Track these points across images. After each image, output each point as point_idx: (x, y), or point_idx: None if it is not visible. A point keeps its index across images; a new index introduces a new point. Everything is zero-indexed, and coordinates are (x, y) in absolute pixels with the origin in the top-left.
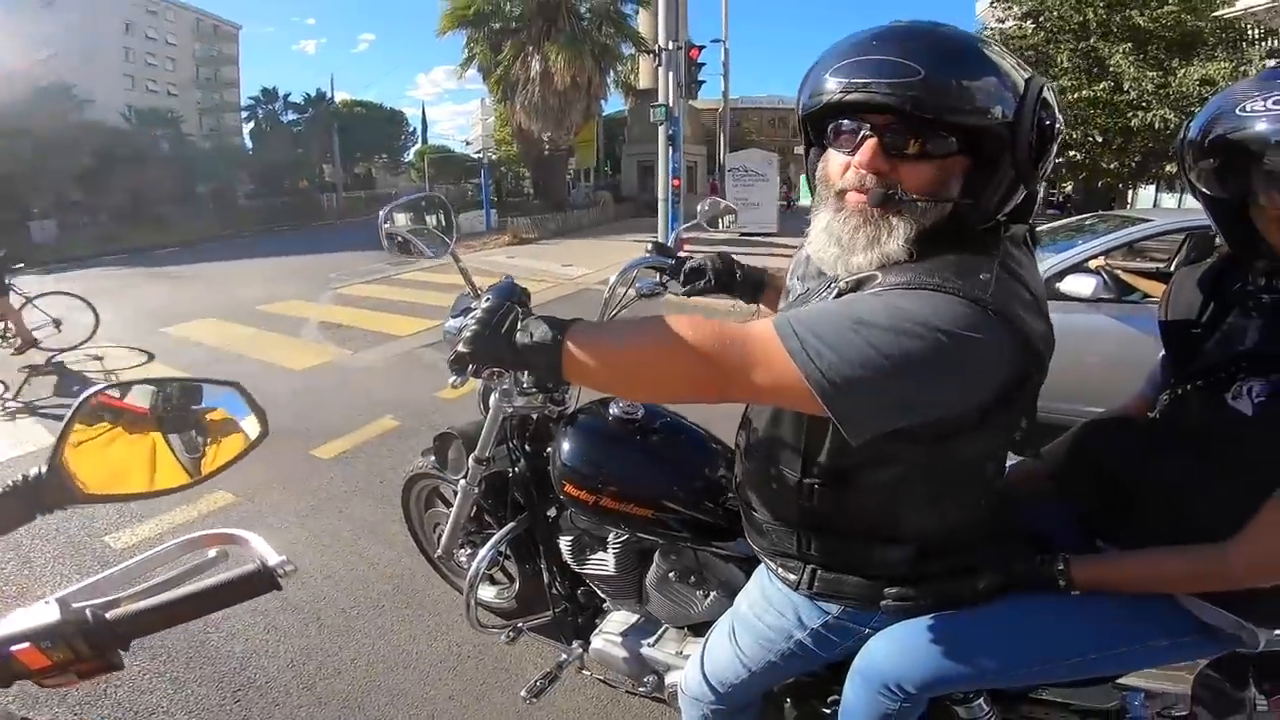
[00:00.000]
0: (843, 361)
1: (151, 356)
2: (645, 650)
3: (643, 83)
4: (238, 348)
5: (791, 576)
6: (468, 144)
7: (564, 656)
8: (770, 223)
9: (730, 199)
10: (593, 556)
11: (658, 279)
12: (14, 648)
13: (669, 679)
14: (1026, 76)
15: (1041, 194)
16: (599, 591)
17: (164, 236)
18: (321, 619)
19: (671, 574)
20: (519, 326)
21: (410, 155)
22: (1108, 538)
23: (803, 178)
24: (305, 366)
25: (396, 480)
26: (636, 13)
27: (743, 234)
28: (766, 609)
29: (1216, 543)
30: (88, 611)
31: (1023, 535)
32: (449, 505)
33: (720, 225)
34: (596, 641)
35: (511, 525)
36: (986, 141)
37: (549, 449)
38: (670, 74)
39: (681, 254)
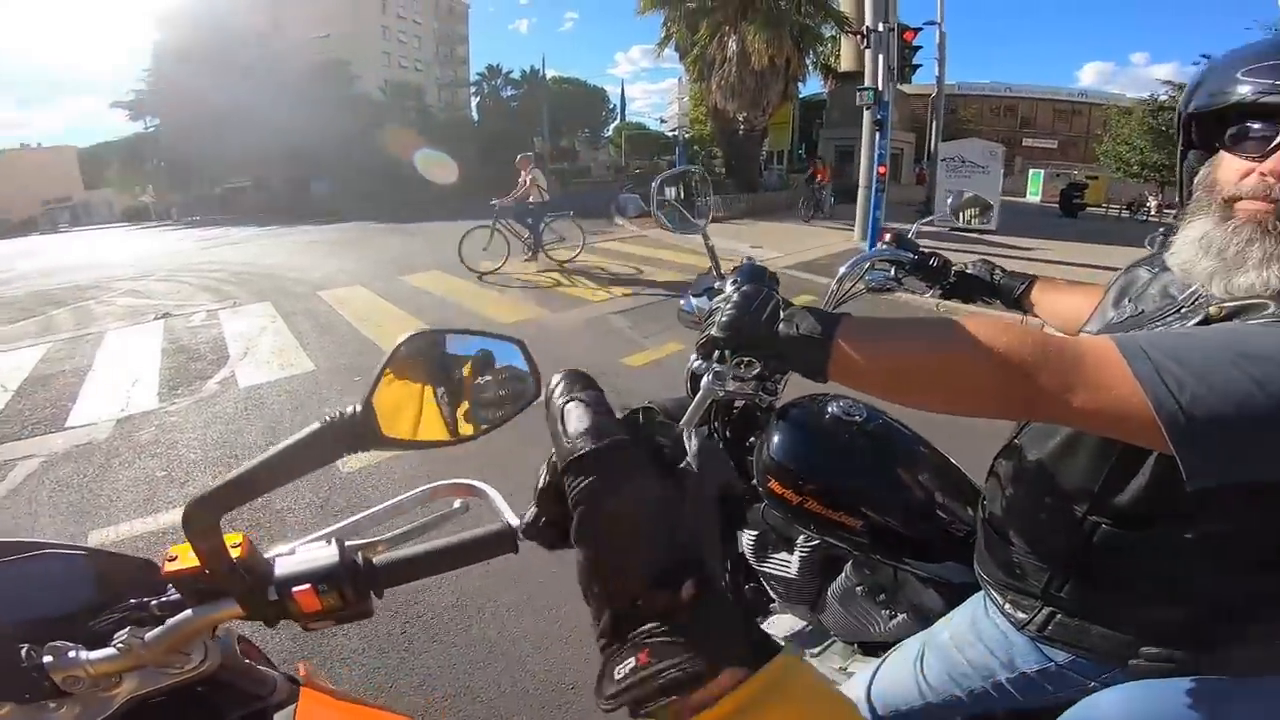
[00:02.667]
0: (1213, 396)
1: None
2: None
3: (844, 65)
4: (459, 298)
5: (1021, 615)
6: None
7: None
8: (989, 220)
9: (943, 191)
10: (775, 555)
11: (891, 273)
12: (295, 589)
13: None
14: None
15: None
16: (771, 591)
17: (407, 197)
18: (492, 563)
19: (860, 588)
20: (781, 315)
21: (609, 131)
22: None
23: (1031, 173)
24: (513, 320)
25: None
26: None
27: (953, 229)
28: (972, 642)
29: None
30: (359, 556)
31: None
32: None
33: (963, 218)
34: None
35: None
36: None
37: (751, 439)
38: (880, 57)
39: (924, 250)
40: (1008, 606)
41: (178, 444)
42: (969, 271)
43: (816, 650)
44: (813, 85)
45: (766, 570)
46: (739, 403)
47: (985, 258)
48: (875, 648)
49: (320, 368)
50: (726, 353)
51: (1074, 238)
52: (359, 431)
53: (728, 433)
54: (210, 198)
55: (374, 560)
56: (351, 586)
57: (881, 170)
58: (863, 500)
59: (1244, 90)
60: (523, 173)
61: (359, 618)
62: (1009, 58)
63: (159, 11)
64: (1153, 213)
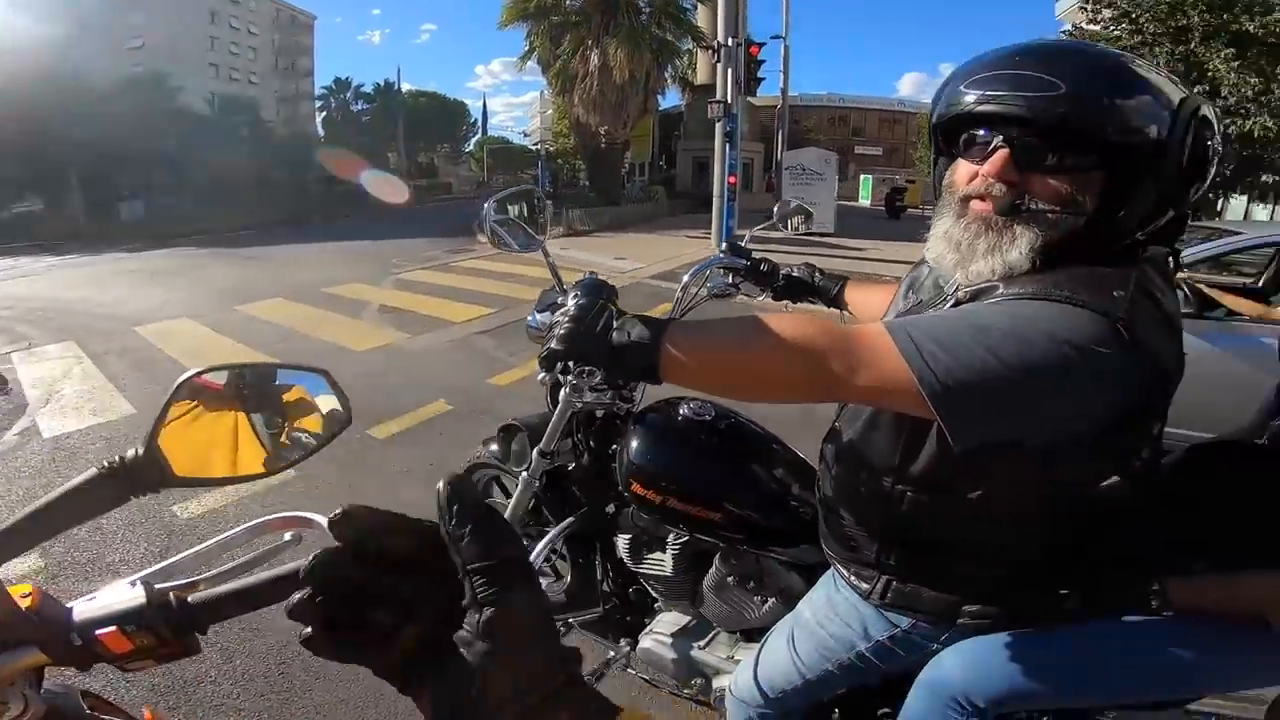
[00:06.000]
0: (958, 366)
1: None
2: (695, 653)
3: (700, 78)
4: (304, 327)
5: (864, 585)
6: (525, 135)
7: (611, 654)
8: (828, 223)
9: (787, 198)
10: (649, 556)
11: (729, 280)
12: (99, 631)
13: (717, 683)
14: (1181, 96)
15: None
16: (652, 591)
17: (239, 219)
18: None
19: (730, 578)
20: (614, 325)
21: (470, 146)
22: (1208, 562)
23: (862, 178)
24: (365, 348)
25: (446, 463)
26: (695, 7)
27: (797, 234)
28: (831, 618)
29: None
30: (171, 596)
31: (1113, 554)
32: (507, 496)
33: (789, 226)
34: (645, 641)
35: (570, 520)
36: (1129, 159)
37: (614, 446)
38: (729, 70)
39: (755, 256)
40: (853, 579)
41: None
42: (794, 274)
43: (703, 642)
44: (672, 98)
45: (644, 571)
46: (600, 412)
47: (808, 261)
48: (755, 634)
49: (142, 410)
50: (569, 364)
51: (896, 238)
52: (142, 474)
53: (591, 442)
54: None
55: (189, 598)
56: (167, 625)
57: (732, 180)
58: (719, 493)
59: (968, 100)
60: None
61: (183, 655)
62: (840, 70)
63: None
64: None
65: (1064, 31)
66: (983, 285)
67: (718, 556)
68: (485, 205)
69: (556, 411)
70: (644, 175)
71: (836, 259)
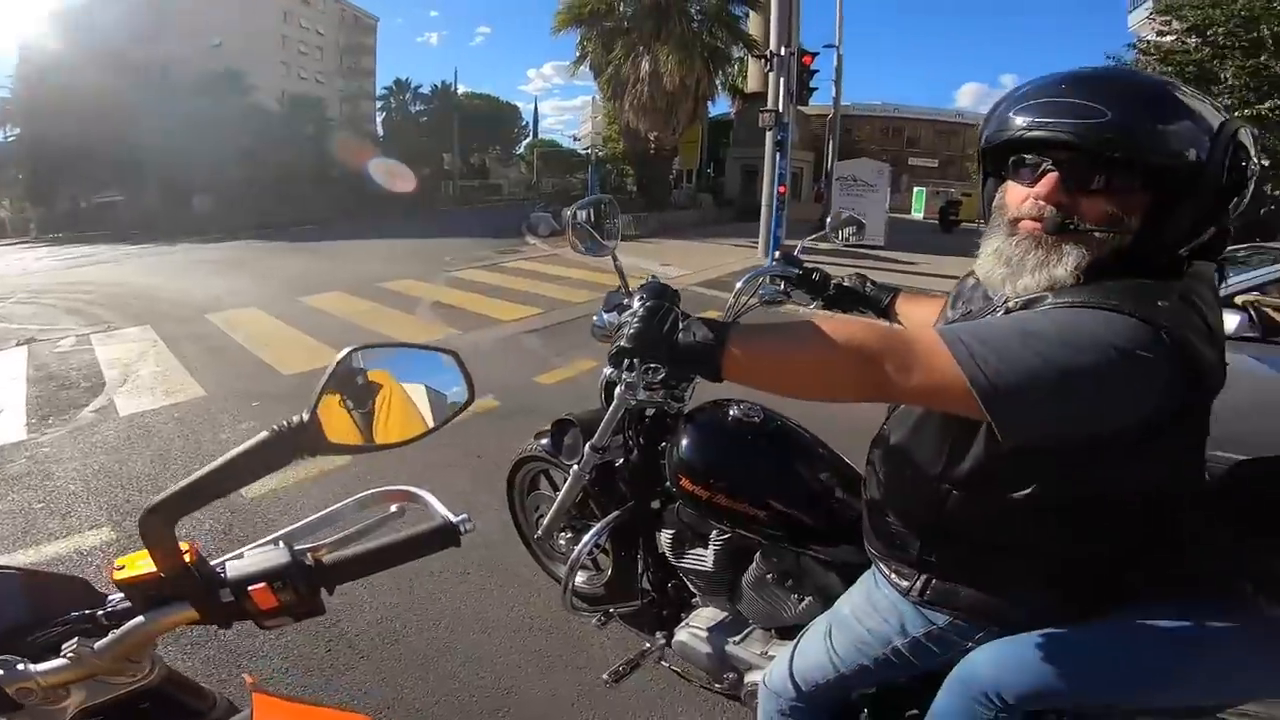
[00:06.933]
0: (1008, 368)
1: None
2: (729, 648)
3: (751, 85)
4: (362, 320)
5: (904, 583)
6: (575, 139)
7: (647, 646)
8: (878, 235)
9: (836, 208)
10: (691, 551)
11: (781, 287)
12: (251, 587)
13: (749, 678)
14: (1221, 120)
15: None
16: (691, 586)
17: (303, 214)
18: (413, 581)
19: (770, 575)
20: (680, 326)
21: (521, 148)
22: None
23: (915, 190)
24: (421, 342)
25: (491, 456)
26: (747, 15)
27: (847, 245)
28: (870, 613)
29: None
30: (309, 555)
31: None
32: (555, 489)
33: (840, 237)
34: (681, 634)
35: (616, 514)
36: (1172, 180)
37: (663, 443)
38: (781, 79)
39: (807, 265)
40: (893, 576)
41: (54, 475)
42: (845, 284)
43: (738, 638)
44: (721, 105)
45: (685, 566)
46: (650, 411)
47: (859, 272)
48: (789, 631)
49: (212, 394)
50: (635, 361)
51: (948, 252)
52: (307, 438)
53: (641, 439)
54: (75, 213)
55: (326, 558)
56: (305, 583)
57: (782, 189)
58: (764, 491)
59: (1017, 125)
60: None
61: (313, 614)
62: (896, 79)
63: (26, 13)
64: None
65: (1133, 44)
66: (1032, 297)
67: (759, 553)
68: (565, 212)
69: (611, 407)
70: (692, 182)
71: (886, 272)
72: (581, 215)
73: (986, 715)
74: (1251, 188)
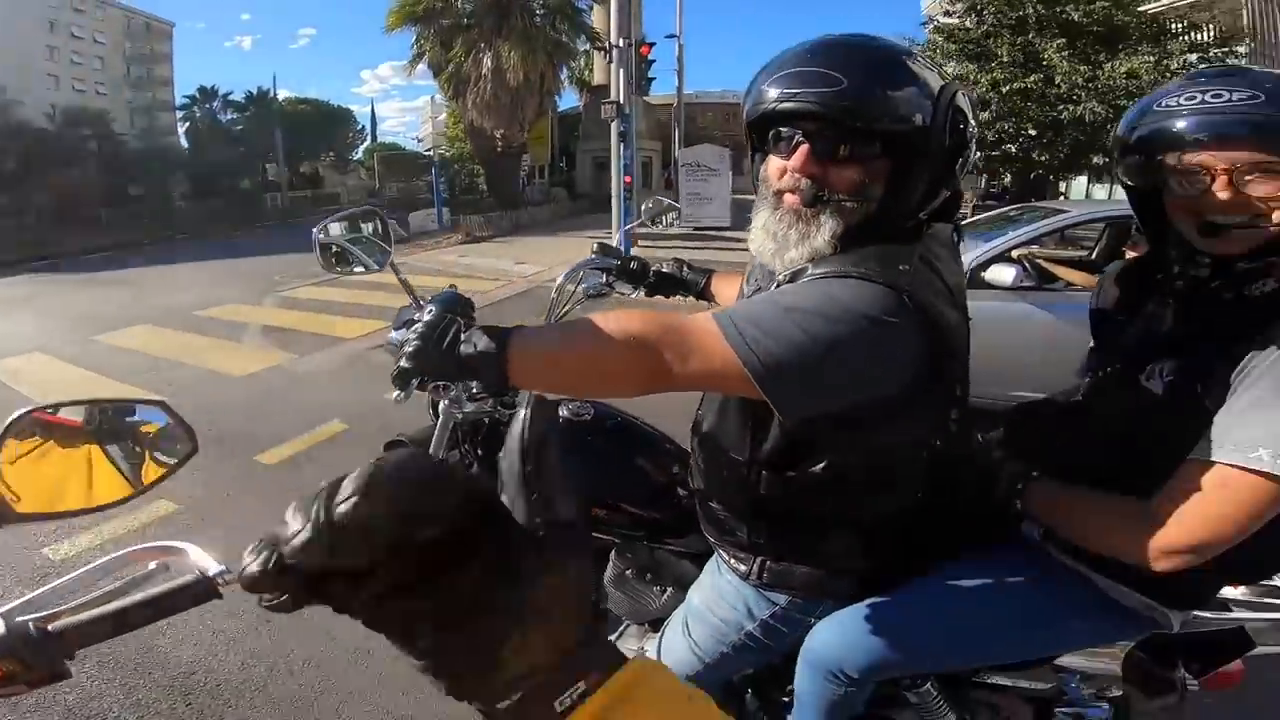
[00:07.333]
0: (776, 345)
1: None
2: None
3: (597, 79)
4: (176, 354)
5: (742, 568)
6: (418, 141)
7: None
8: (723, 217)
9: (684, 194)
10: None
11: (604, 279)
12: None
13: None
14: (941, 84)
15: (983, 186)
16: None
17: (94, 241)
18: (272, 623)
19: (628, 571)
20: (461, 338)
21: (359, 153)
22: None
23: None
24: (248, 372)
25: None
26: (590, 8)
27: (695, 229)
28: (718, 601)
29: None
30: (31, 624)
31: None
32: None
33: (663, 222)
34: None
35: None
36: (905, 145)
37: (501, 453)
38: (621, 71)
39: (632, 253)
40: (732, 561)
41: None
42: (664, 270)
43: (614, 635)
44: (569, 99)
45: None
46: (485, 420)
47: (676, 257)
48: (661, 623)
49: None
50: (421, 380)
51: None
52: None
53: (479, 451)
54: None
55: (53, 626)
56: (30, 652)
57: (627, 179)
58: (603, 489)
59: (770, 98)
60: None
61: (53, 680)
62: (738, 67)
63: None
64: None
65: (923, 23)
66: (796, 270)
67: (613, 551)
68: (313, 232)
69: (438, 424)
70: (544, 178)
71: (731, 251)
72: (335, 230)
73: (839, 692)
74: (973, 150)
